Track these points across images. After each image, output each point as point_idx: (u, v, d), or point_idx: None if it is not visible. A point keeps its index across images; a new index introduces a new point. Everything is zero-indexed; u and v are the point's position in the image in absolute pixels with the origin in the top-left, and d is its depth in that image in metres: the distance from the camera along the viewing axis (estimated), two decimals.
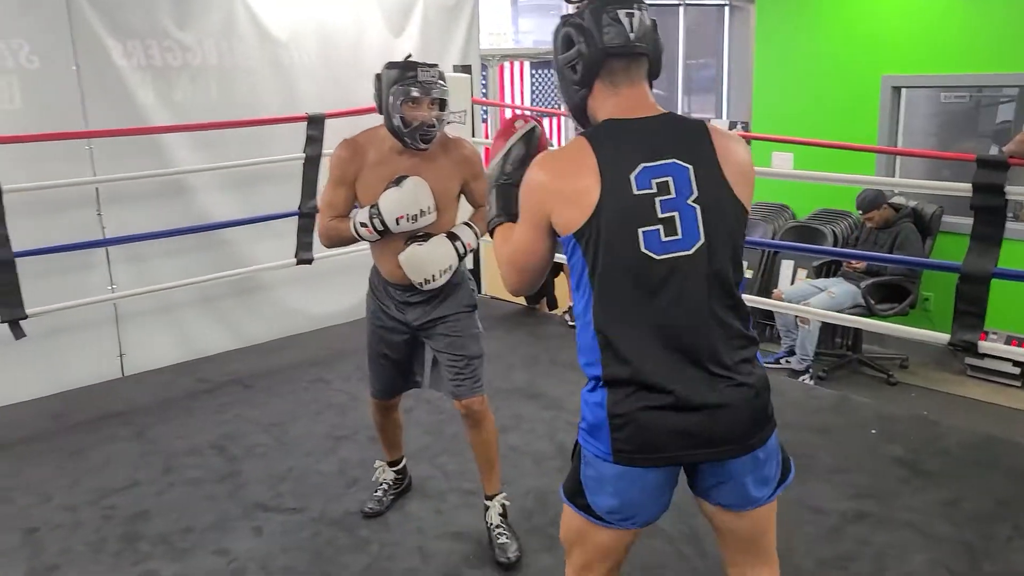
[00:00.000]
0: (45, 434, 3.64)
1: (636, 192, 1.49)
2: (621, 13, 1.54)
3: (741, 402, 1.52)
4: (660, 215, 1.49)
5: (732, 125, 8.95)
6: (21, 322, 3.63)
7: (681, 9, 10.09)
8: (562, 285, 5.16)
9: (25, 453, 3.47)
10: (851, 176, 4.64)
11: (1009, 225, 3.32)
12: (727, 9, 10.44)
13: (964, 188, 3.24)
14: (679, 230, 1.49)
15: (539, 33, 8.93)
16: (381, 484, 3.02)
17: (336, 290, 4.98)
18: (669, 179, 1.50)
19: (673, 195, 1.49)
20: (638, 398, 1.51)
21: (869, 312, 5.23)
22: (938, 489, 3.04)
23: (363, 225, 2.46)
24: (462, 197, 2.64)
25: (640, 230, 1.48)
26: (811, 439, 3.44)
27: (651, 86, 1.61)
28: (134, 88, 4.10)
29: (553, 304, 5.35)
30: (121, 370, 4.27)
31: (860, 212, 5.41)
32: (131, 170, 4.07)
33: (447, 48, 5.29)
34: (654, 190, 1.49)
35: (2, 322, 3.59)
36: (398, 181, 2.44)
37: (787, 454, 1.69)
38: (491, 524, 2.73)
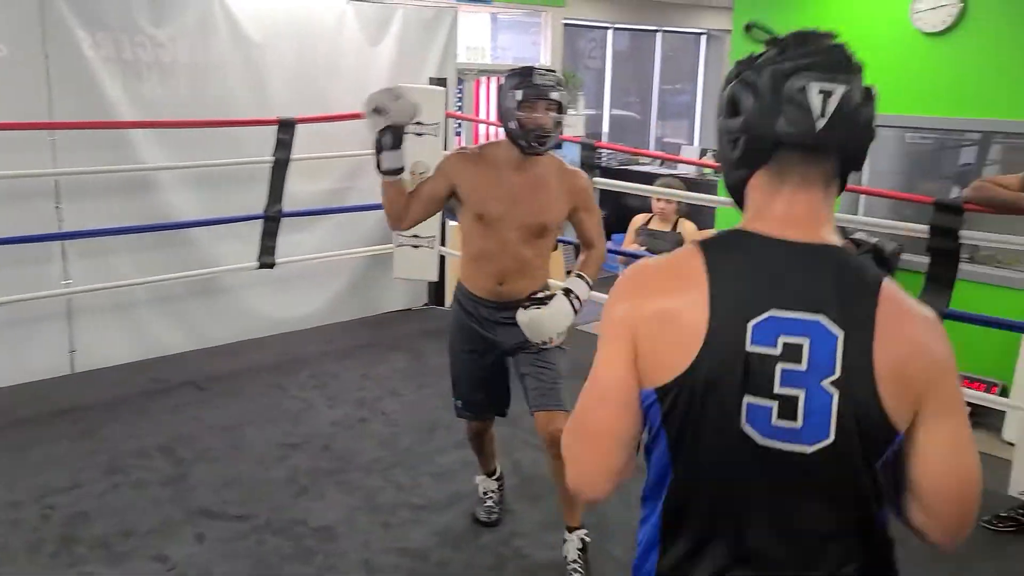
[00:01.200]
0: None
1: (750, 348, 1.04)
2: (813, 87, 1.04)
3: None
4: (777, 389, 1.04)
5: (703, 152, 9.06)
6: None
7: (659, 35, 10.22)
8: None
9: None
10: None
11: (964, 267, 3.39)
12: (704, 38, 10.60)
13: (921, 230, 3.31)
14: (799, 416, 1.04)
15: (517, 50, 8.98)
16: (487, 494, 3.01)
17: (298, 295, 4.95)
18: (805, 342, 1.04)
19: (804, 367, 1.03)
20: None
21: None
22: None
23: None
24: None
25: (746, 400, 1.05)
26: None
27: (841, 189, 1.13)
28: (102, 81, 4.04)
29: None
30: (71, 366, 4.18)
31: None
32: (95, 164, 4.00)
33: (424, 60, 5.30)
34: (778, 351, 1.04)
35: None
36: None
37: None
38: (568, 558, 2.63)
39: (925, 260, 3.35)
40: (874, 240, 1.23)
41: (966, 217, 3.19)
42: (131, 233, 4.16)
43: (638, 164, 9.30)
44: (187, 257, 4.42)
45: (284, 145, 4.41)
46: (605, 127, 10.14)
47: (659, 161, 9.03)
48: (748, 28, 1.16)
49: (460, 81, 7.00)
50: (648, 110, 10.75)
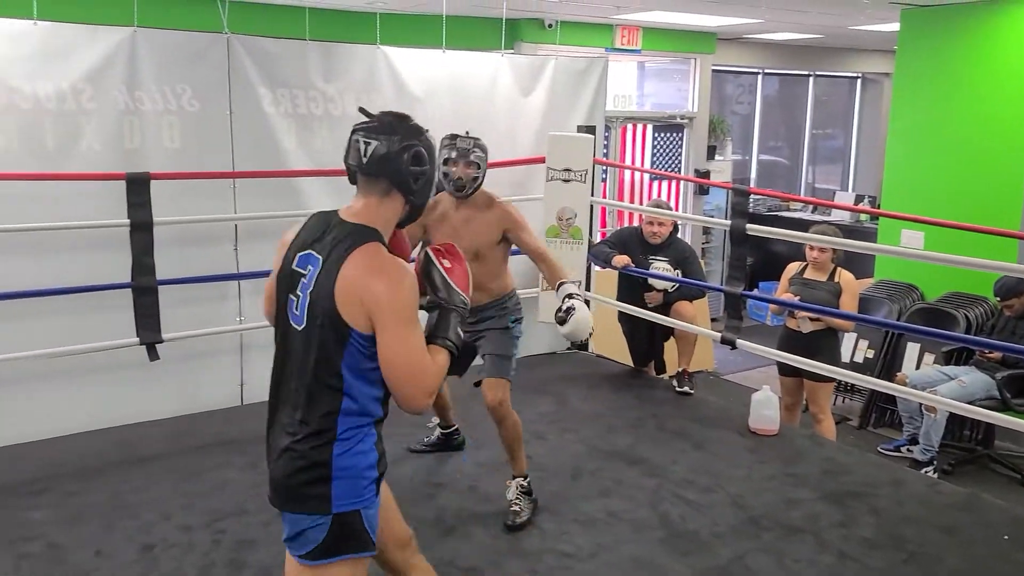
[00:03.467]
0: (169, 453, 3.84)
1: (292, 268, 1.88)
2: (360, 139, 1.90)
3: (280, 467, 1.87)
4: (297, 292, 1.86)
5: (859, 199, 8.68)
6: (157, 346, 3.87)
7: (811, 79, 9.95)
8: (671, 349, 5.07)
9: (153, 470, 3.66)
10: (989, 262, 4.37)
11: None
12: (859, 81, 10.22)
13: None
14: (298, 308, 1.85)
15: (662, 96, 8.99)
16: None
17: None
18: (310, 267, 1.84)
19: (307, 281, 1.84)
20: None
21: (1004, 406, 4.90)
22: None
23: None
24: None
25: (289, 296, 1.89)
26: (937, 538, 3.23)
27: (410, 199, 1.91)
28: (279, 134, 4.37)
29: (661, 368, 5.26)
30: (241, 398, 4.46)
31: (998, 299, 5.10)
32: (269, 210, 4.31)
33: (573, 109, 5.39)
34: (304, 271, 1.85)
35: (140, 344, 3.84)
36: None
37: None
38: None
39: None
40: None
41: None
42: None
43: (788, 210, 9.02)
44: None
45: None
46: (753, 173, 9.93)
47: (811, 207, 8.72)
48: (361, 110, 1.98)
49: (607, 128, 7.07)
50: (798, 155, 10.45)
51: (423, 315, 1.91)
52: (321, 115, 4.51)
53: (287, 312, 1.88)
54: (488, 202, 3.28)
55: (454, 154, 3.17)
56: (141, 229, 3.82)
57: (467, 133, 3.23)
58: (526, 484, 3.33)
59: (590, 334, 3.02)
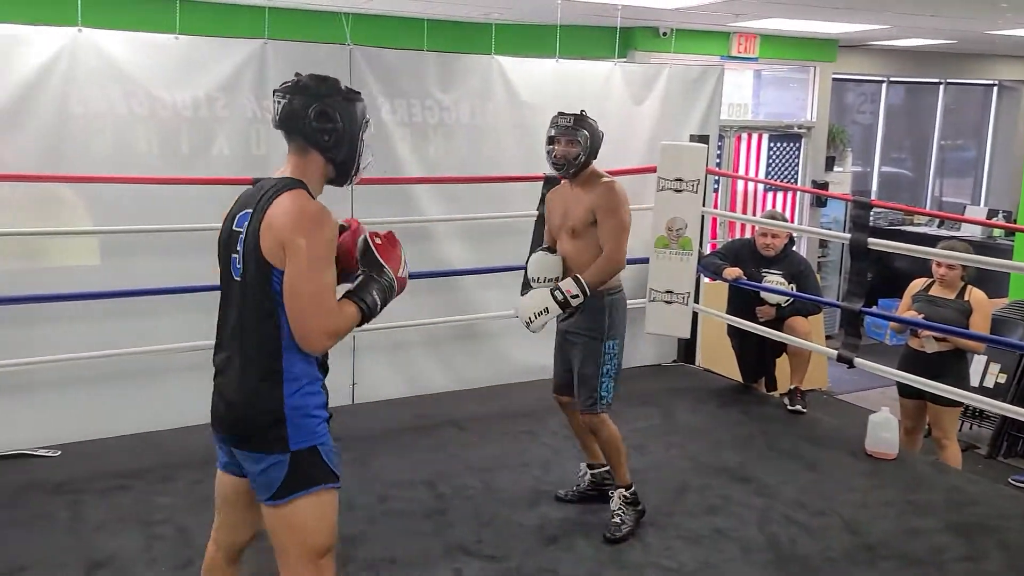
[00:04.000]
0: None
1: (233, 228, 2.02)
2: (277, 98, 2.03)
3: (232, 410, 2.01)
4: (237, 249, 1.99)
5: (992, 213, 8.19)
6: None
7: (941, 87, 9.47)
8: (783, 366, 4.91)
9: None
10: None
11: None
12: (995, 89, 9.66)
13: None
14: (238, 261, 1.99)
15: (779, 105, 8.74)
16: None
17: (551, 344, 5.08)
18: (245, 224, 1.97)
19: (243, 236, 1.98)
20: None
21: None
22: None
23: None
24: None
25: (232, 255, 2.03)
26: None
27: (329, 157, 2.03)
28: (395, 142, 4.50)
29: (772, 385, 5.10)
30: (352, 398, 4.61)
31: None
32: (384, 215, 4.44)
33: (687, 117, 5.31)
34: (241, 230, 1.99)
35: None
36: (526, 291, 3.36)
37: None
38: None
39: None
40: None
41: None
42: (410, 279, 4.52)
43: (911, 225, 8.60)
44: (454, 303, 4.75)
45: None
46: (874, 185, 9.52)
47: (937, 222, 8.29)
48: (296, 75, 2.05)
49: (721, 137, 6.93)
50: (924, 167, 9.95)
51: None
52: (436, 123, 4.62)
53: (230, 270, 2.02)
54: (593, 181, 3.22)
55: (553, 132, 3.19)
56: None
57: (582, 112, 3.21)
58: (630, 494, 3.28)
59: (526, 322, 3.16)
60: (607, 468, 3.41)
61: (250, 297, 1.96)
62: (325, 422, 2.02)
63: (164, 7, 4.21)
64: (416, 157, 4.57)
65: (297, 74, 2.03)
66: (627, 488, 3.28)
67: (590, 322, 3.22)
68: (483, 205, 4.70)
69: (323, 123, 1.97)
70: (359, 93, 2.09)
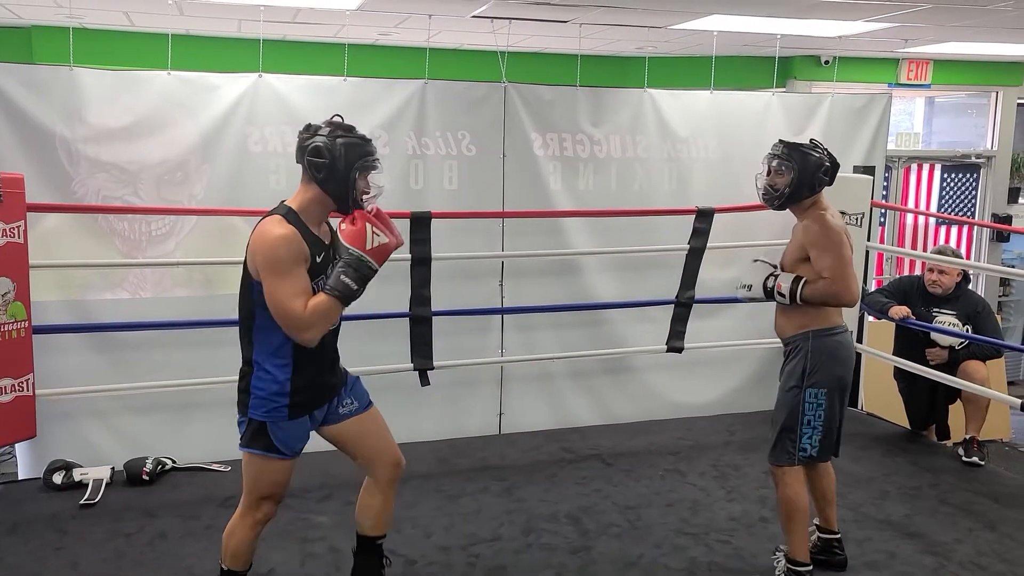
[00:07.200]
0: (433, 474, 4.09)
1: None
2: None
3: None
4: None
5: None
6: (428, 372, 4.16)
7: None
8: (957, 413, 4.54)
9: (419, 489, 3.90)
10: None
11: None
12: None
13: None
14: None
15: (954, 133, 8.17)
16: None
17: (701, 381, 4.97)
18: None
19: None
20: None
21: None
22: None
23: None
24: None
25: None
26: None
27: (326, 188, 2.39)
28: (546, 175, 4.56)
29: (945, 433, 4.72)
30: (499, 428, 4.66)
31: None
32: (533, 248, 4.50)
33: (850, 147, 5.07)
34: None
35: (414, 369, 4.14)
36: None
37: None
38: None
39: None
40: None
41: None
42: (558, 311, 4.57)
43: None
44: (602, 336, 4.72)
45: (700, 234, 4.50)
46: None
47: None
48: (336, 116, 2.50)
49: (888, 168, 6.57)
50: None
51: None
52: (587, 157, 4.65)
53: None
54: (807, 213, 2.96)
55: (763, 161, 3.04)
56: (421, 263, 4.10)
57: (812, 141, 3.01)
58: (797, 570, 2.96)
59: (747, 286, 3.07)
60: (837, 536, 3.18)
61: (240, 301, 2.44)
62: (285, 408, 2.43)
63: (333, 51, 4.49)
64: (567, 191, 4.62)
65: (336, 115, 2.48)
66: (795, 564, 2.97)
67: (790, 364, 2.98)
68: (632, 238, 4.66)
69: (316, 158, 2.35)
70: (360, 134, 2.43)
